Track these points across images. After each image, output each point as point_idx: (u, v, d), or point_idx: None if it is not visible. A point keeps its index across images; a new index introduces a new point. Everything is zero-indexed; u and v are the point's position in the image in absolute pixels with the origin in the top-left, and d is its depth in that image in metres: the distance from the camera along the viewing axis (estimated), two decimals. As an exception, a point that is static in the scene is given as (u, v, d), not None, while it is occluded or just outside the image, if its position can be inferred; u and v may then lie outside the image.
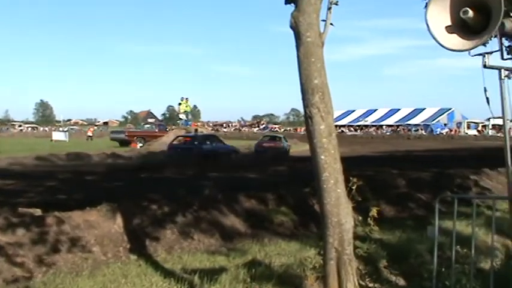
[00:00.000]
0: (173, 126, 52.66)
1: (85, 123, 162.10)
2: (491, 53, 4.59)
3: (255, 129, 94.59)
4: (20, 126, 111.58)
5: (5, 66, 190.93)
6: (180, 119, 39.55)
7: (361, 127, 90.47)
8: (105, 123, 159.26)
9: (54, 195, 11.82)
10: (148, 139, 38.93)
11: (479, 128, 75.58)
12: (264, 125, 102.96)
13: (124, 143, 40.68)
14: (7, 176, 16.30)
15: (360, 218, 5.98)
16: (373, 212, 5.84)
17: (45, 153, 26.69)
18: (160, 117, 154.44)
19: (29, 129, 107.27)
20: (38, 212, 7.59)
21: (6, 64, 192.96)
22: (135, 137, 41.11)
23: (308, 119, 4.62)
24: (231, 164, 23.33)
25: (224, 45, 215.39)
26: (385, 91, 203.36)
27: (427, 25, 4.60)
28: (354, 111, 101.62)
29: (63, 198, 11.45)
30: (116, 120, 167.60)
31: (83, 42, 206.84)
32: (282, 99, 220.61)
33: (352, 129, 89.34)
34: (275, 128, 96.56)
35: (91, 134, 60.71)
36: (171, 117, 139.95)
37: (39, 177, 16.29)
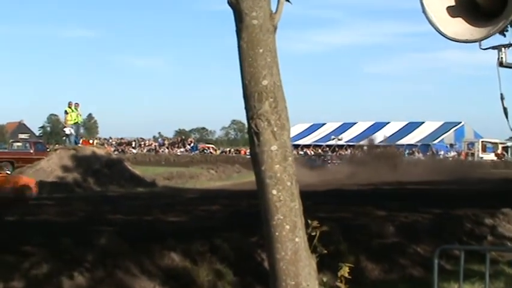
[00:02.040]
0: (57, 145, 51.86)
1: None
2: (510, 45, 4.70)
3: (179, 150, 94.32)
4: None
5: None
6: (67, 134, 38.77)
7: (332, 148, 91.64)
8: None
9: None
10: (20, 164, 38.31)
11: (499, 151, 77.46)
12: (192, 144, 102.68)
13: None
14: None
15: (325, 279, 5.97)
16: (344, 270, 5.75)
17: None
18: (37, 132, 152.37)
19: None
20: None
21: None
22: (0, 161, 40.40)
23: (253, 136, 4.67)
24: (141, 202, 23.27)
25: (133, 27, 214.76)
26: (366, 97, 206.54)
27: (422, 5, 4.73)
28: (322, 125, 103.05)
29: None
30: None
31: None
32: (218, 107, 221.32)
33: (319, 150, 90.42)
34: (208, 148, 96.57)
35: None
36: (54, 131, 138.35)
37: None
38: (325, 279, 5.96)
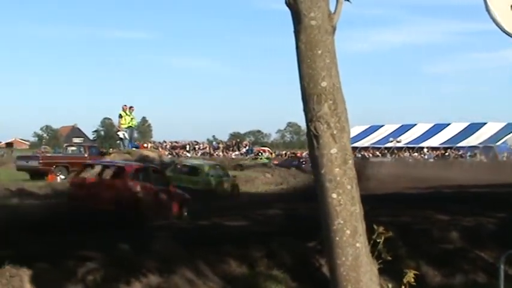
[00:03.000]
0: (111, 149, 52.34)
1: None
2: None
3: (234, 154, 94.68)
4: None
5: None
6: (120, 138, 39.09)
7: (391, 150, 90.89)
8: (9, 145, 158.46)
9: None
10: (74, 168, 38.50)
11: None
12: (247, 147, 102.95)
13: (37, 173, 40.26)
14: None
15: (390, 286, 6.00)
16: (409, 276, 5.84)
17: None
18: (91, 136, 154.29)
19: None
20: None
21: None
22: (54, 166, 40.77)
23: (312, 138, 4.68)
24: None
25: (188, 28, 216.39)
26: (426, 98, 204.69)
27: (485, 2, 4.69)
28: (381, 127, 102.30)
29: None
30: (24, 141, 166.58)
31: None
32: (273, 109, 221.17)
33: (378, 153, 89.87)
34: (264, 151, 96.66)
35: None
36: (107, 135, 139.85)
37: None
38: (390, 286, 5.97)
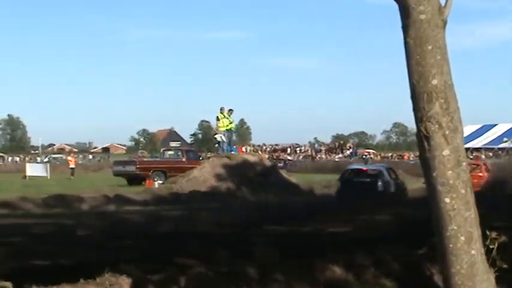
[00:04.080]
0: (209, 153, 52.85)
1: (75, 149, 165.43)
2: None
3: (337, 156, 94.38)
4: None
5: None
6: (218, 142, 39.02)
7: (505, 151, 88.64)
8: (105, 150, 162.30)
9: (30, 260, 12.07)
10: (172, 173, 39.00)
11: None
12: (350, 150, 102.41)
13: (134, 179, 40.98)
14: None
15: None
16: None
17: (13, 197, 26.76)
18: (189, 140, 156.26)
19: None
20: (7, 285, 7.75)
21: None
22: (151, 171, 41.45)
23: (423, 140, 4.62)
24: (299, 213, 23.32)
25: (284, 26, 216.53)
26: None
27: None
28: (493, 126, 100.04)
29: (43, 265, 11.69)
30: (121, 145, 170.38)
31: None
32: (379, 109, 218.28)
33: (490, 154, 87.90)
34: (368, 153, 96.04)
35: (73, 166, 61.58)
36: (205, 138, 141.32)
37: (6, 234, 16.68)
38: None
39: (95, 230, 18.39)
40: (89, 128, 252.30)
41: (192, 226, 19.02)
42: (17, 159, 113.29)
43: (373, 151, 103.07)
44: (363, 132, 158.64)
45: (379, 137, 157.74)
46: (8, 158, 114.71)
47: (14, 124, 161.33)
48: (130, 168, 43.03)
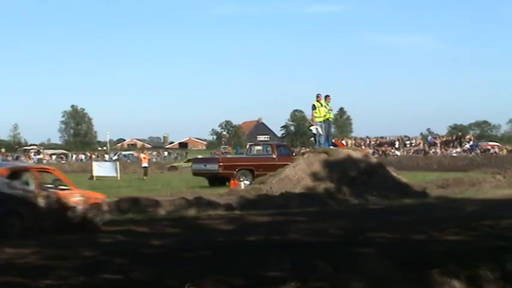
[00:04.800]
0: (303, 148, 52.73)
1: (148, 145, 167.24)
2: None
3: (455, 151, 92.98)
4: (37, 152, 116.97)
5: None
6: (314, 134, 38.40)
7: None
8: (183, 145, 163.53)
9: (100, 273, 12.55)
10: (261, 172, 38.88)
11: None
12: (471, 142, 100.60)
13: (216, 179, 41.23)
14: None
15: None
16: None
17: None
18: (279, 132, 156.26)
19: (53, 157, 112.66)
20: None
21: None
22: (236, 170, 41.45)
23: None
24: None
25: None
26: None
27: None
28: None
29: (114, 279, 12.15)
30: (201, 140, 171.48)
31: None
32: (504, 95, 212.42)
33: None
34: (492, 147, 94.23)
35: (146, 165, 61.81)
36: (298, 131, 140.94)
37: (73, 245, 17.10)
38: None
39: (172, 238, 18.80)
40: (164, 121, 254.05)
41: (285, 234, 19.15)
42: (82, 157, 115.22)
43: (498, 144, 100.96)
44: (485, 122, 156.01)
45: (505, 127, 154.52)
46: (72, 156, 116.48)
47: (78, 117, 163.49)
48: (212, 167, 43.10)
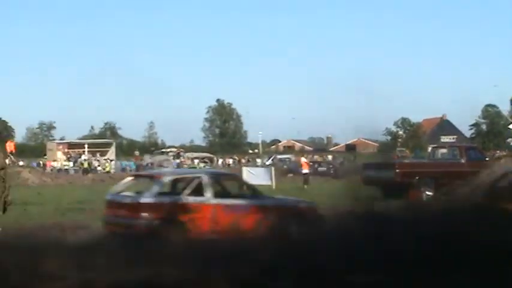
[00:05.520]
0: (497, 152, 51.11)
1: (308, 147, 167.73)
2: None
3: None
4: (177, 156, 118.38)
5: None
6: None
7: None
8: (350, 148, 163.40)
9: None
10: (445, 180, 37.98)
11: None
12: None
13: (392, 188, 40.11)
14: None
15: None
16: None
17: None
18: (467, 132, 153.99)
19: (196, 161, 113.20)
20: None
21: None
22: (416, 177, 40.85)
23: None
24: None
25: None
26: None
27: None
28: None
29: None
30: (372, 141, 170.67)
31: None
32: None
33: None
34: None
35: (307, 171, 62.68)
36: (493, 130, 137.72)
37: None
38: None
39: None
40: (327, 118, 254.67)
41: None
42: (230, 161, 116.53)
43: None
44: None
45: None
46: (217, 161, 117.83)
47: (225, 113, 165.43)
48: (387, 174, 43.12)
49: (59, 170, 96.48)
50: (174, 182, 23.25)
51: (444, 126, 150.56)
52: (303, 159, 67.74)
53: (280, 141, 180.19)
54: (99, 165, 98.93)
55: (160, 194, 22.10)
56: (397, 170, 42.63)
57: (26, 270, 13.66)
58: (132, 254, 14.91)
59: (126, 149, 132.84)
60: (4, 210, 22.07)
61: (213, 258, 14.89)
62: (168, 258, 15.06)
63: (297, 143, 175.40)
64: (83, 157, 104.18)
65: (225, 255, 15.07)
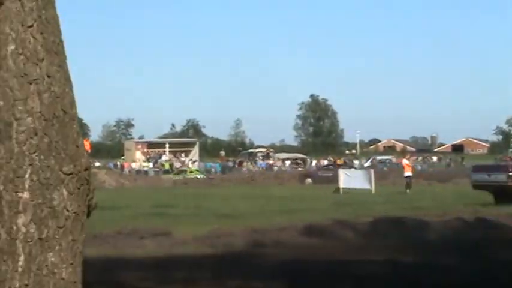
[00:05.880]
0: None
1: (410, 147, 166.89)
2: None
3: None
4: (266, 156, 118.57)
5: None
6: None
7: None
8: (456, 148, 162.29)
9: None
10: None
11: None
12: None
13: (505, 193, 40.61)
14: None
15: None
16: None
17: (324, 220, 28.29)
18: None
19: (287, 163, 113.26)
20: None
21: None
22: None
23: None
24: None
25: None
26: None
27: None
28: None
29: None
30: (482, 141, 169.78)
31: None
32: None
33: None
34: None
35: (410, 174, 62.20)
36: None
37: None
38: None
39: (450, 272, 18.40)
40: (432, 116, 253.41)
41: None
42: (325, 162, 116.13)
43: None
44: None
45: None
46: (310, 162, 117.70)
47: (319, 110, 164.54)
48: (499, 177, 42.89)
49: (138, 171, 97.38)
50: None
51: None
52: (405, 161, 67.64)
53: (379, 141, 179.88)
54: (181, 166, 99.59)
55: None
56: (510, 173, 42.47)
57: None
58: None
59: (211, 148, 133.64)
60: (88, 214, 21.70)
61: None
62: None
63: (398, 143, 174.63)
64: (164, 157, 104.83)
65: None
